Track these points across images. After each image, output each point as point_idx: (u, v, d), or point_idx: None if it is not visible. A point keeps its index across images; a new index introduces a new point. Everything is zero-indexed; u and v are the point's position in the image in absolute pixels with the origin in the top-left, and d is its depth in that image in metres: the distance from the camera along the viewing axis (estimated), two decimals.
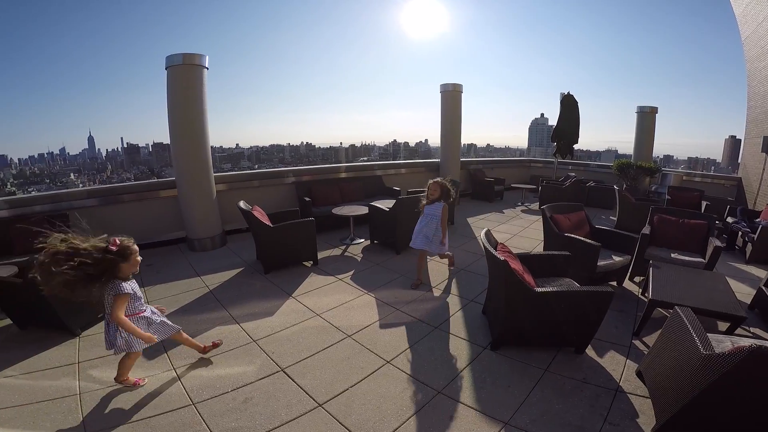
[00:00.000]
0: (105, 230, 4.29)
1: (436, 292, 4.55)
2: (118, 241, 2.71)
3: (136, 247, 2.81)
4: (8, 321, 3.82)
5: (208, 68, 5.89)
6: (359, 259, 5.71)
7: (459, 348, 3.41)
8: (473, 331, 3.69)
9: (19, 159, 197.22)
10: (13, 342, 3.57)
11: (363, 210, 6.28)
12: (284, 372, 3.08)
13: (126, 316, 2.68)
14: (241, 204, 5.23)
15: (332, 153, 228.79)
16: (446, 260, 5.27)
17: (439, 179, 4.56)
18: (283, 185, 7.73)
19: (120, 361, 2.89)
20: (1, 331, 3.75)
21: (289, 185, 7.78)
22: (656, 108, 10.21)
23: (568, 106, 10.19)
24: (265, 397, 2.79)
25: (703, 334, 2.38)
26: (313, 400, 2.76)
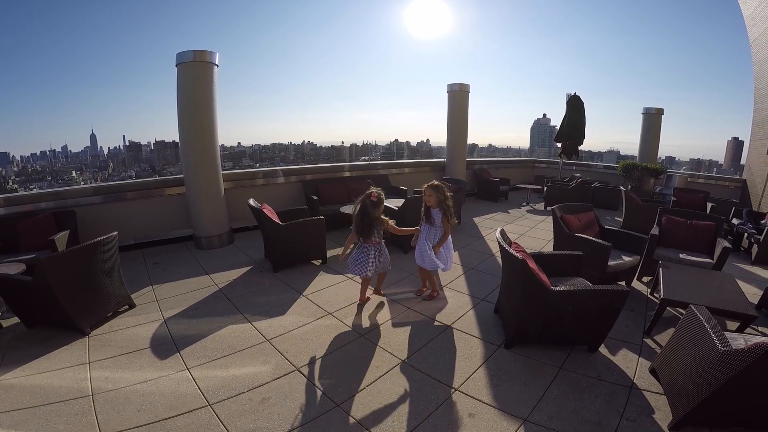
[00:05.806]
0: (111, 228, 4.31)
1: (447, 291, 4.55)
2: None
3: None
4: (15, 320, 3.78)
5: (218, 65, 5.86)
6: None
7: (473, 346, 3.41)
8: (486, 329, 3.69)
9: (21, 156, 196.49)
10: (21, 341, 3.52)
11: None
12: (299, 371, 3.07)
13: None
14: (251, 201, 5.23)
15: (334, 152, 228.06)
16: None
17: (435, 182, 4.02)
18: (290, 183, 7.73)
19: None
20: (8, 331, 3.71)
21: (296, 184, 7.78)
22: (662, 109, 10.22)
23: (575, 106, 10.16)
24: (282, 397, 2.78)
25: (720, 332, 2.41)
26: (331, 400, 2.75)
